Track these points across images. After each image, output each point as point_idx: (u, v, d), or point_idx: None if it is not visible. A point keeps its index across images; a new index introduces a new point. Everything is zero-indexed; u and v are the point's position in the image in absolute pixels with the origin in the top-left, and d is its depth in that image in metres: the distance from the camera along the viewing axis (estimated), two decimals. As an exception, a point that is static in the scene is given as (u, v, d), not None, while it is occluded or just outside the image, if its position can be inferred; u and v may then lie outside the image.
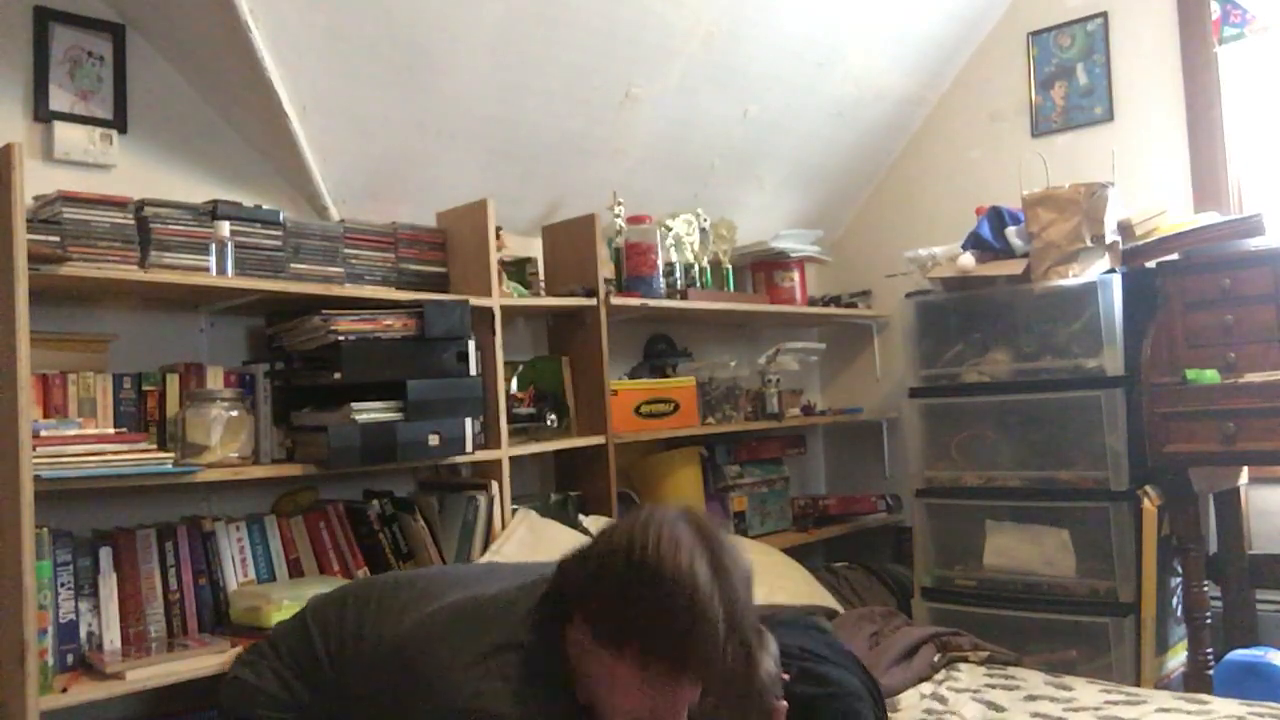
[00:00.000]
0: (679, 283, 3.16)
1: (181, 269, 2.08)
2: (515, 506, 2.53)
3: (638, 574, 1.22)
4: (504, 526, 2.44)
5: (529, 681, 1.22)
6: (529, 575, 1.43)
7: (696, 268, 3.26)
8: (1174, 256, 2.78)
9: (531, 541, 2.39)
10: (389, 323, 2.26)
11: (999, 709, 2.12)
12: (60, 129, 2.18)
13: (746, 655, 1.28)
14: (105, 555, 1.98)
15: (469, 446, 2.36)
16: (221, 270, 2.14)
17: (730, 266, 3.44)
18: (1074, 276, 2.75)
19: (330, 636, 1.57)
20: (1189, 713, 2.04)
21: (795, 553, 3.04)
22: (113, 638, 1.95)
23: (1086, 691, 2.23)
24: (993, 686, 2.29)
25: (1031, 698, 2.20)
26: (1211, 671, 2.58)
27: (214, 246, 2.14)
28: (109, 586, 1.97)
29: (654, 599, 1.20)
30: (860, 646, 2.32)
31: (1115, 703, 2.14)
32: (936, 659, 2.40)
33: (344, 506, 2.38)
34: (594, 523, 2.60)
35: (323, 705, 1.54)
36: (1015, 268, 2.87)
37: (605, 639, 1.24)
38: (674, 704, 1.25)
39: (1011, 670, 2.41)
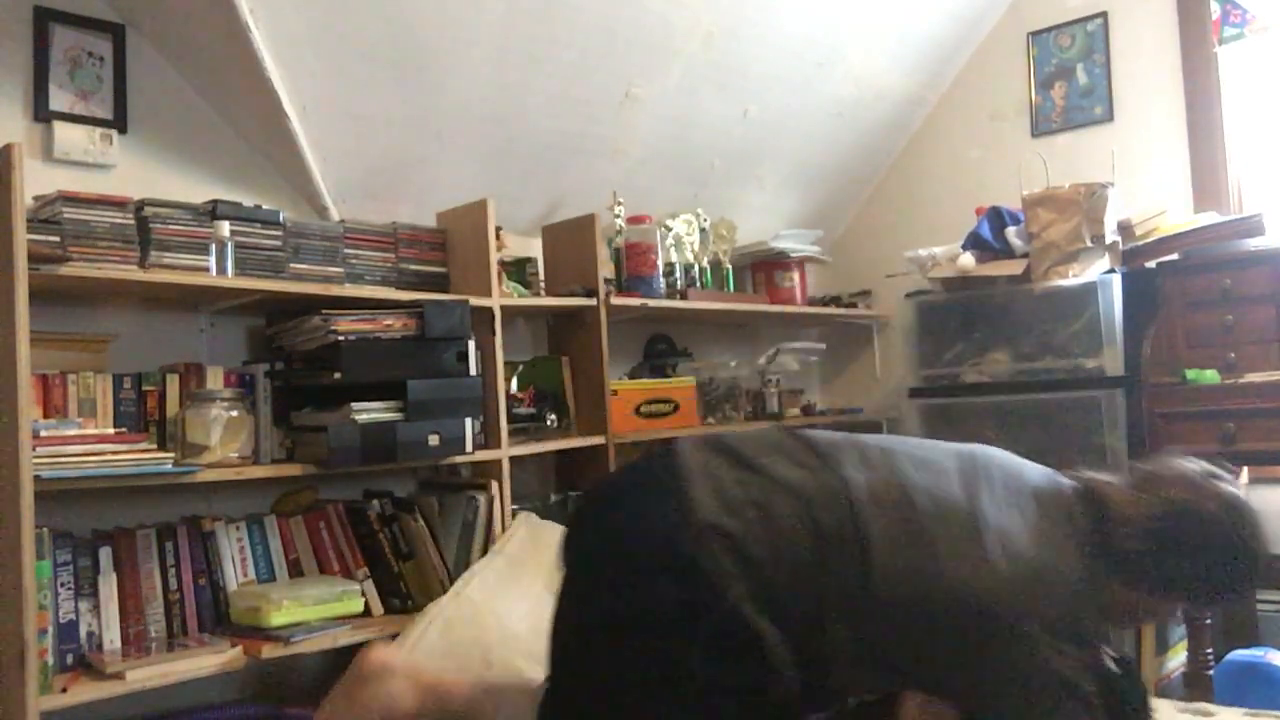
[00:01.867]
0: (679, 283, 3.16)
1: (181, 269, 2.08)
2: (515, 507, 2.52)
3: (1225, 544, 1.40)
4: (504, 527, 2.43)
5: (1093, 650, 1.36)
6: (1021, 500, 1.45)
7: (696, 268, 3.26)
8: (1174, 256, 2.78)
9: (531, 542, 2.39)
10: (389, 323, 2.26)
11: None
12: (60, 129, 2.18)
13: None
14: (105, 555, 1.98)
15: (469, 446, 2.36)
16: (221, 270, 2.14)
17: (730, 266, 3.44)
18: (1074, 276, 2.75)
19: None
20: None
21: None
22: (113, 638, 1.95)
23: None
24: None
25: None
26: (1211, 672, 2.58)
27: (214, 246, 2.14)
28: (109, 586, 1.97)
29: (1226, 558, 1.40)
30: None
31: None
32: None
33: (344, 506, 2.38)
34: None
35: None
36: (1015, 268, 2.87)
37: (1161, 594, 1.42)
38: None
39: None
